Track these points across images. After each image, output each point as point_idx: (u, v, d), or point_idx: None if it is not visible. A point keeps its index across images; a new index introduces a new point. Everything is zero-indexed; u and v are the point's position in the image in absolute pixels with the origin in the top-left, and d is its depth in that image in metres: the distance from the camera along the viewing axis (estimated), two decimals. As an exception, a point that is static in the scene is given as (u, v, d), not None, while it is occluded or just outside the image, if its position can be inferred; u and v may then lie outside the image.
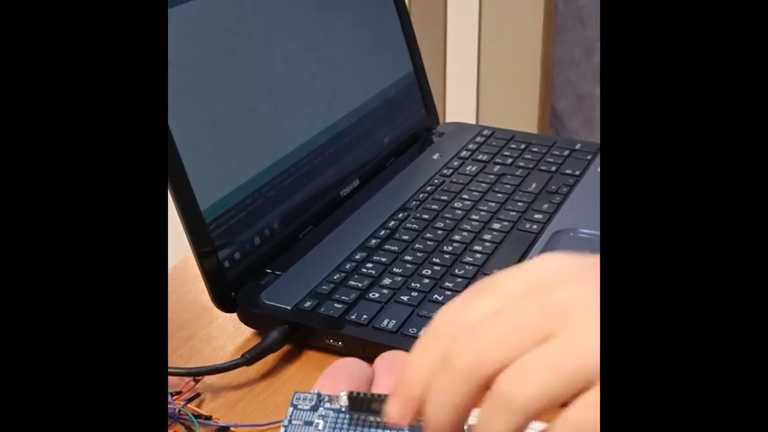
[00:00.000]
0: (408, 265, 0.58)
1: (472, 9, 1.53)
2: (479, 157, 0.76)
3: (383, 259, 0.59)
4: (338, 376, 0.38)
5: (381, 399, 0.33)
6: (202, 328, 0.57)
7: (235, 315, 0.56)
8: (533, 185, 0.70)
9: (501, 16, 1.52)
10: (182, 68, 0.55)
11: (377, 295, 0.55)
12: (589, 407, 0.28)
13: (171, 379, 0.49)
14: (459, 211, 0.66)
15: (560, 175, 0.72)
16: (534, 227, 0.64)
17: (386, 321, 0.52)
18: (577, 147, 0.77)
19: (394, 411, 0.32)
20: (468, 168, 0.74)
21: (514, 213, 0.65)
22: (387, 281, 0.57)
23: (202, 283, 0.54)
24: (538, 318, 0.30)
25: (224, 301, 0.55)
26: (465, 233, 0.63)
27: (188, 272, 0.61)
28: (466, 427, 0.31)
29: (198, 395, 0.49)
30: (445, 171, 0.73)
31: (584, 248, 0.61)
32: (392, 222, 0.64)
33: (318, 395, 0.38)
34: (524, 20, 1.50)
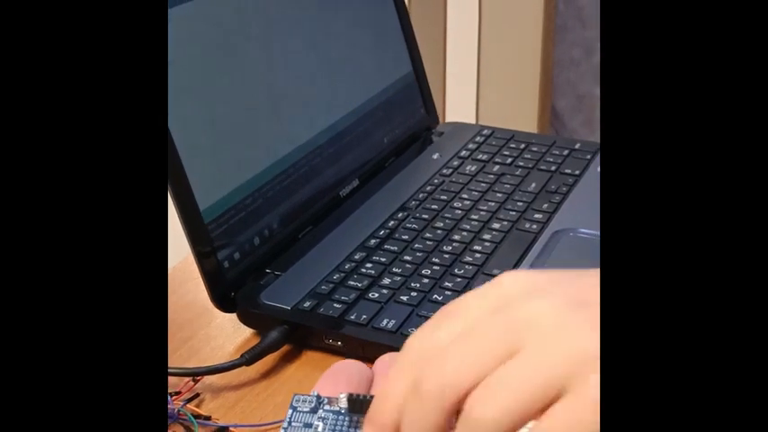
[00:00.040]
0: (408, 265, 0.58)
1: (472, 9, 1.53)
2: (479, 156, 0.76)
3: (383, 259, 0.59)
4: (338, 378, 0.38)
5: None
6: (202, 329, 0.57)
7: (234, 315, 0.56)
8: (533, 185, 0.70)
9: (501, 16, 1.51)
10: (181, 68, 0.55)
11: (376, 295, 0.55)
12: (558, 418, 0.29)
13: (170, 379, 0.49)
14: (459, 211, 0.66)
15: (560, 175, 0.72)
16: (534, 227, 0.64)
17: (385, 321, 0.52)
18: (577, 146, 0.77)
19: None
20: (467, 168, 0.74)
21: (514, 213, 0.65)
22: (386, 281, 0.57)
23: (202, 283, 0.54)
24: (501, 335, 0.30)
25: (223, 301, 0.55)
26: (464, 233, 0.63)
27: (187, 272, 0.61)
28: None
29: (197, 395, 0.49)
30: (445, 171, 0.73)
31: (584, 248, 0.61)
32: (392, 222, 0.64)
33: (318, 397, 0.38)
34: (524, 20, 1.50)
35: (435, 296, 0.55)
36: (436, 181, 0.71)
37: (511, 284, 0.33)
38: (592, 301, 0.31)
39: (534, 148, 0.77)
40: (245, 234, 0.58)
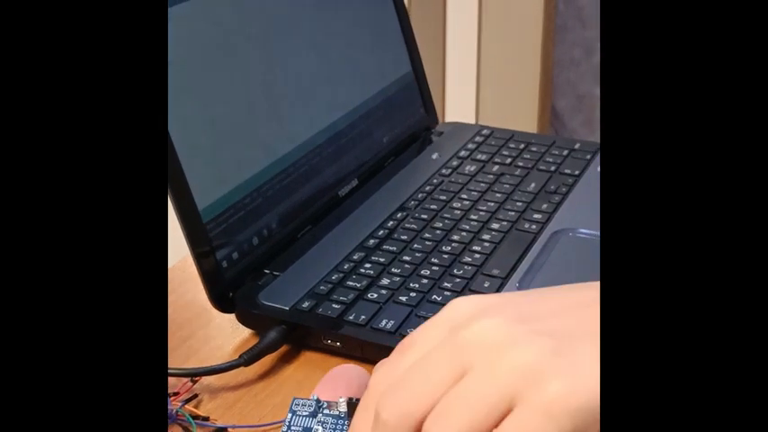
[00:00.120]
0: (407, 266, 0.58)
1: (472, 9, 1.53)
2: (478, 156, 0.76)
3: (381, 259, 0.59)
4: (337, 382, 0.39)
5: None
6: (200, 329, 0.57)
7: (233, 315, 0.56)
8: (532, 185, 0.70)
9: (501, 16, 1.51)
10: (180, 67, 0.55)
11: (375, 295, 0.55)
12: (508, 430, 0.30)
13: (168, 379, 0.49)
14: (458, 211, 0.66)
15: (559, 175, 0.72)
16: (533, 227, 0.63)
17: (384, 322, 0.52)
18: (577, 146, 0.77)
19: None
20: (467, 168, 0.73)
21: (513, 213, 0.65)
22: (385, 281, 0.56)
23: (200, 283, 0.54)
24: (450, 358, 0.32)
25: (222, 301, 0.55)
26: (464, 233, 0.62)
27: (187, 272, 0.61)
28: None
29: (195, 396, 0.49)
30: (444, 171, 0.73)
31: (584, 248, 0.61)
32: (391, 222, 0.64)
33: (317, 401, 0.38)
34: (524, 20, 1.50)
35: (434, 297, 0.55)
36: (435, 181, 0.71)
37: (460, 309, 0.34)
38: (538, 315, 0.32)
39: (534, 149, 0.77)
40: (244, 234, 0.58)
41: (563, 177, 0.71)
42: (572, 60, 1.67)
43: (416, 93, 0.81)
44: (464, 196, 0.68)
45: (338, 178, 0.68)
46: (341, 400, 0.37)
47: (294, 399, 0.37)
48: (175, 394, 0.48)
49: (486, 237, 0.62)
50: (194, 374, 0.49)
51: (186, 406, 0.48)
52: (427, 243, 0.61)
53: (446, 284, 0.56)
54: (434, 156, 0.76)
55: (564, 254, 0.60)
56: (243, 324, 0.56)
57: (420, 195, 0.69)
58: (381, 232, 0.62)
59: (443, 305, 0.36)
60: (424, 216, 0.65)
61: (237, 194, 0.58)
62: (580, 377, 0.30)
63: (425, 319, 0.52)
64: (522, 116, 1.55)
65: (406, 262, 0.59)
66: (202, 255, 0.54)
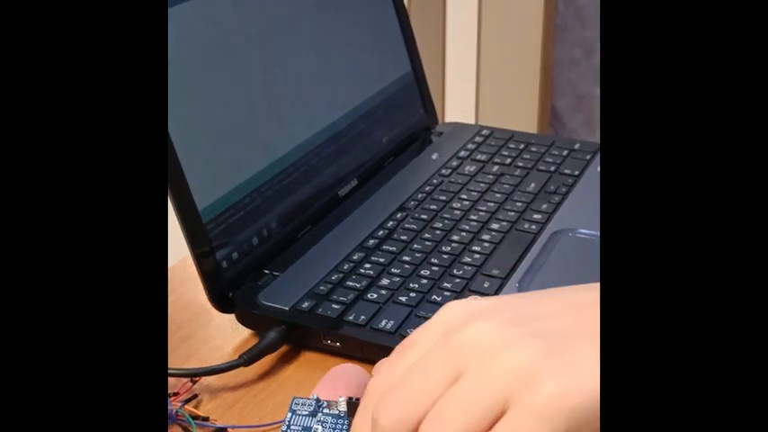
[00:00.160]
0: (407, 266, 0.58)
1: (472, 9, 1.52)
2: (478, 156, 0.76)
3: (381, 260, 0.59)
4: (337, 382, 0.39)
5: None
6: (200, 329, 0.57)
7: (233, 315, 0.56)
8: (532, 185, 0.70)
9: (501, 16, 1.51)
10: (180, 67, 0.55)
11: (375, 296, 0.55)
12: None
13: (168, 380, 0.49)
14: (458, 212, 0.66)
15: (559, 175, 0.72)
16: (533, 227, 0.63)
17: (384, 322, 0.52)
18: (576, 146, 0.77)
19: None
20: (466, 168, 0.73)
21: (513, 213, 0.65)
22: (385, 281, 0.56)
23: (200, 283, 0.54)
24: (445, 362, 0.32)
25: (221, 301, 0.55)
26: (463, 233, 0.62)
27: (186, 272, 0.61)
28: None
29: (195, 396, 0.49)
30: (444, 171, 0.73)
31: (584, 249, 0.61)
32: (390, 222, 0.64)
33: (317, 400, 0.38)
34: (524, 20, 1.50)
35: (434, 297, 0.55)
36: (435, 181, 0.71)
37: (455, 312, 0.35)
38: (533, 317, 0.32)
39: (533, 149, 0.77)
40: (244, 234, 0.58)
41: (563, 177, 0.71)
42: (572, 60, 1.67)
43: (416, 93, 0.81)
44: (464, 196, 0.68)
45: (338, 178, 0.68)
46: (340, 399, 0.37)
47: (294, 398, 0.37)
48: (175, 394, 0.48)
49: (485, 237, 0.62)
50: (194, 375, 0.49)
51: (186, 406, 0.48)
52: (427, 243, 0.61)
53: (446, 285, 0.56)
54: (434, 156, 0.76)
55: (564, 254, 0.60)
56: (243, 324, 0.56)
57: (420, 195, 0.69)
58: (381, 232, 0.62)
59: (443, 305, 0.36)
60: (424, 216, 0.65)
61: (237, 194, 0.58)
62: (575, 377, 0.30)
63: (425, 319, 0.52)
64: (522, 116, 1.55)
65: (406, 262, 0.59)
66: (202, 255, 0.54)
